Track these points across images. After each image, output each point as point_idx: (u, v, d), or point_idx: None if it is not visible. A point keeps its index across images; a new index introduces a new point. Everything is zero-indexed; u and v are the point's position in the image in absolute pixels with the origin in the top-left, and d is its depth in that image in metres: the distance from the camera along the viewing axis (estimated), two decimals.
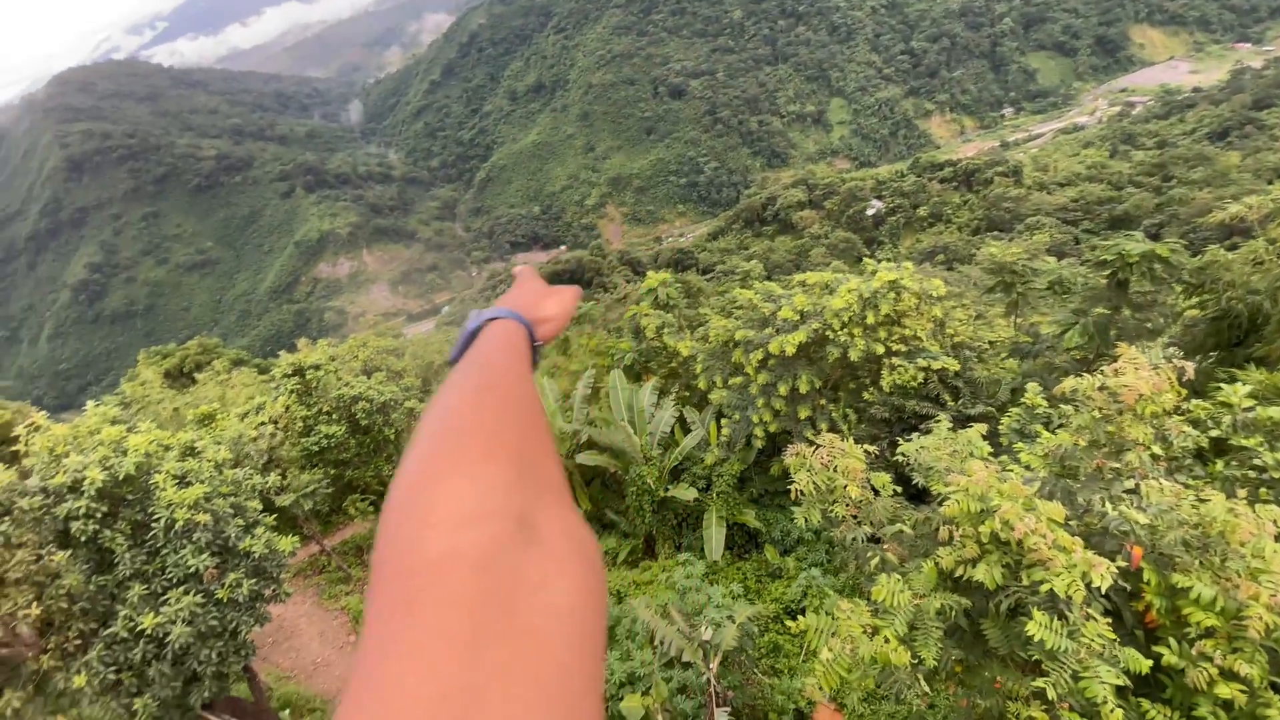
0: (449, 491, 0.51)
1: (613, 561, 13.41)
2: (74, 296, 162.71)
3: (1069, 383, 4.76)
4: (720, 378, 14.79)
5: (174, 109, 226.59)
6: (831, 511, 4.78)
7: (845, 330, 13.03)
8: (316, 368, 21.15)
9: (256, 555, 8.94)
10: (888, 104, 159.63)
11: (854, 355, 12.81)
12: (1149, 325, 11.93)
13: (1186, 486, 4.61)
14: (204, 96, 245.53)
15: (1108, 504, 4.07)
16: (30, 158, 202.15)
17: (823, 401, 14.21)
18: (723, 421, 14.33)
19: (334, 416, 20.54)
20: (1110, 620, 3.61)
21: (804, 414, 13.56)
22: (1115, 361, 4.86)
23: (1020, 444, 6.77)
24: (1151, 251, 11.08)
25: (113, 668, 7.07)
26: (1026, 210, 76.14)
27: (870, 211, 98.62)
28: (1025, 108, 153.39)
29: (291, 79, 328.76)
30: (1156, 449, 4.67)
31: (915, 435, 5.60)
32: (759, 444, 13.81)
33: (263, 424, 19.80)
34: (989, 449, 5.02)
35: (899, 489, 5.47)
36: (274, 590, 9.42)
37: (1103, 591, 3.55)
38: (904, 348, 13.06)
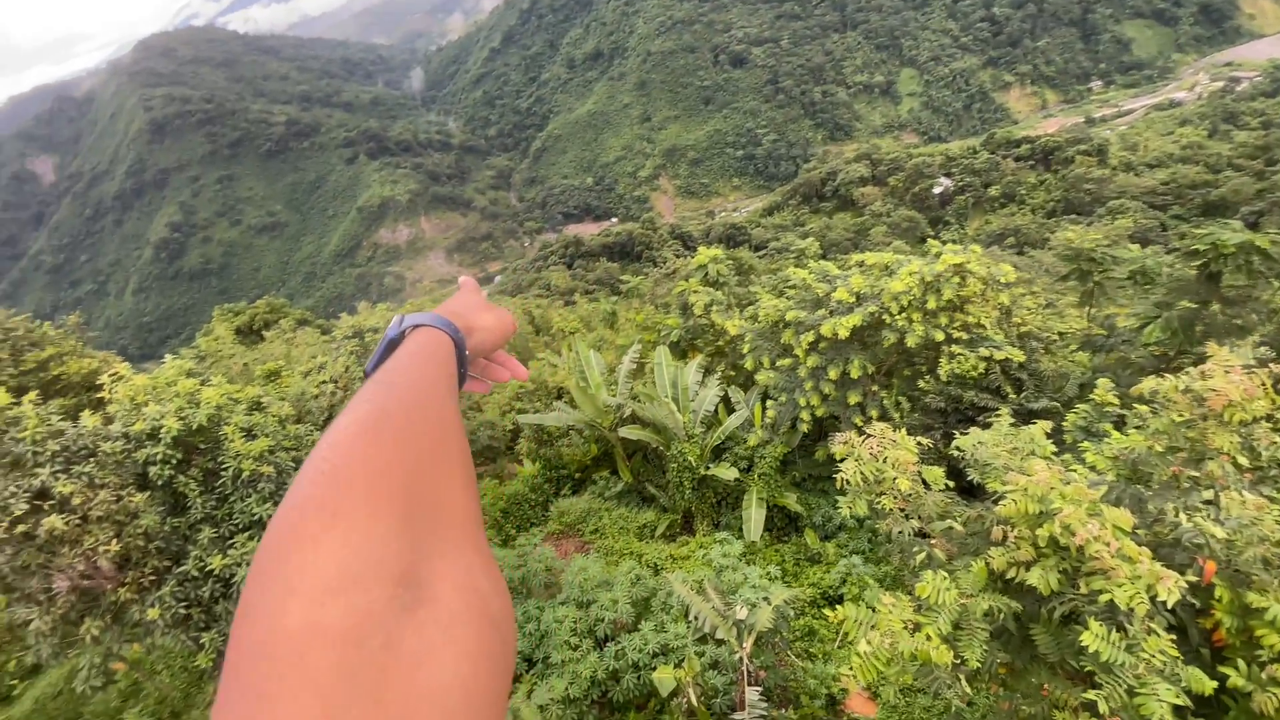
0: (318, 552, 0.44)
1: (651, 534, 13.56)
2: (155, 254, 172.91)
3: (1149, 383, 4.45)
4: (768, 358, 14.55)
5: (248, 75, 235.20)
6: (878, 503, 4.65)
7: (904, 315, 12.57)
8: (374, 331, 21.94)
9: None
10: (963, 75, 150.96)
11: (911, 341, 12.37)
12: (1240, 323, 11.02)
13: (1272, 501, 4.28)
14: (275, 63, 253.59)
15: (1181, 514, 3.81)
16: (117, 120, 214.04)
17: (875, 388, 13.82)
18: (768, 403, 14.14)
19: None
20: (1174, 637, 3.41)
21: (854, 400, 13.23)
22: (1200, 362, 4.50)
23: (1086, 444, 6.42)
24: (1249, 242, 10.19)
25: (183, 603, 7.63)
26: (1110, 193, 71.20)
27: (937, 190, 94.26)
28: (1116, 81, 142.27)
29: (358, 46, 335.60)
30: (1241, 459, 4.33)
31: (972, 428, 5.36)
32: (805, 428, 13.59)
33: (324, 382, 20.74)
34: (1052, 448, 4.77)
35: (951, 484, 5.28)
36: None
37: (1168, 606, 3.35)
38: (965, 335, 12.51)
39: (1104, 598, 3.40)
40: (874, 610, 4.27)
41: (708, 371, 16.05)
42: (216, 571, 7.84)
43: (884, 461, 4.63)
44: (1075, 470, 5.37)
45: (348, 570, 0.43)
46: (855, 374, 12.99)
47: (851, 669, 4.15)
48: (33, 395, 7.22)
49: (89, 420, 7.77)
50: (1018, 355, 11.33)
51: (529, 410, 17.28)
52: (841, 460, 4.97)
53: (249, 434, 9.18)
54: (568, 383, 14.80)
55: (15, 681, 12.85)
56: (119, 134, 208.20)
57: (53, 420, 7.27)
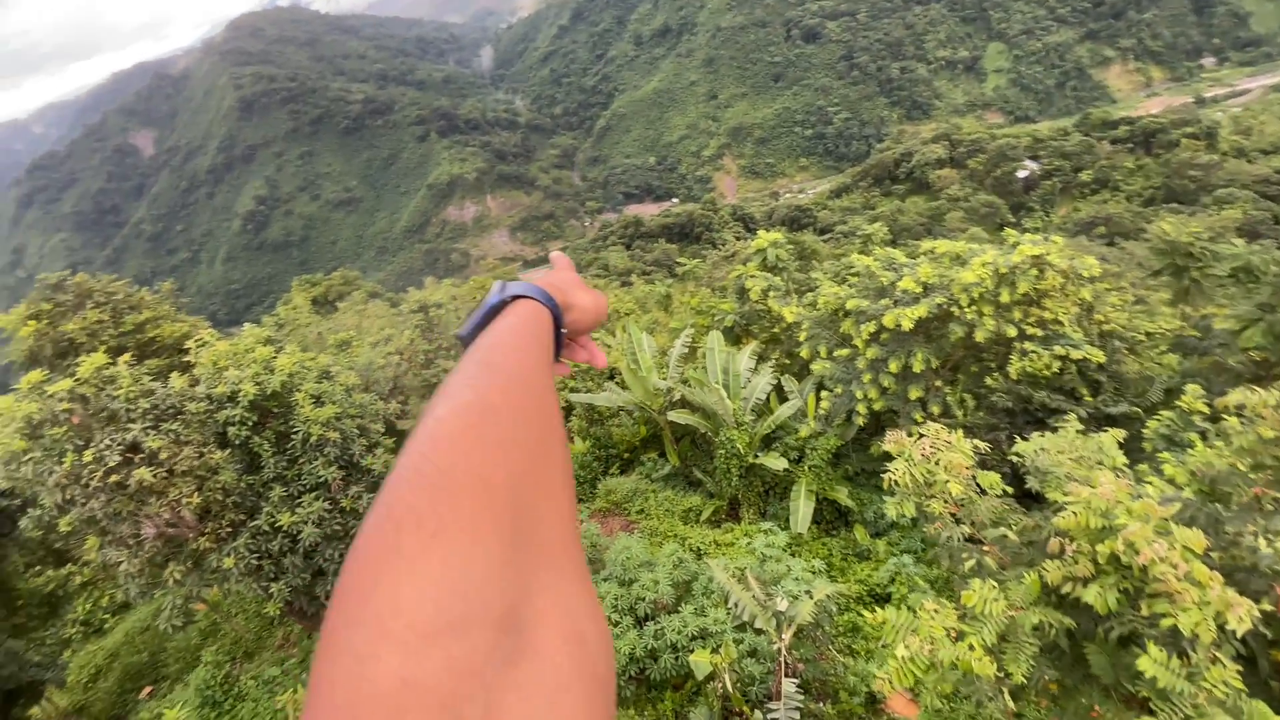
0: (414, 580, 0.39)
1: (695, 519, 13.61)
2: (243, 225, 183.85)
3: (1235, 396, 4.09)
4: (825, 348, 14.21)
5: (329, 54, 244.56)
6: (927, 506, 4.50)
7: (973, 307, 11.99)
8: (439, 306, 22.76)
9: (376, 472, 9.94)
10: (1058, 49, 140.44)
11: (980, 336, 11.81)
12: None
13: None
14: (355, 42, 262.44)
15: (1261, 539, 3.51)
16: (210, 97, 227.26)
17: (938, 383, 13.31)
18: (823, 394, 13.85)
19: (451, 352, 22.10)
20: (1241, 668, 3.17)
21: (915, 395, 12.78)
22: None
23: (1165, 455, 6.00)
24: None
25: (255, 554, 8.22)
26: (1218, 180, 65.10)
27: (1022, 174, 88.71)
28: (1230, 58, 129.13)
29: (431, 24, 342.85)
30: None
31: (1035, 433, 5.08)
32: (860, 421, 13.25)
33: (390, 354, 21.72)
34: (1123, 459, 4.46)
35: (1009, 490, 5.05)
36: None
37: (1238, 635, 3.11)
38: (1040, 332, 11.83)
39: (1166, 622, 3.19)
40: (915, 615, 4.16)
41: (761, 359, 15.84)
42: (285, 527, 8.39)
43: (936, 463, 4.46)
44: (1151, 483, 5.03)
45: (448, 609, 0.39)
46: (918, 368, 12.52)
47: (889, 673, 4.08)
48: (127, 357, 7.86)
49: (176, 382, 8.41)
50: (1097, 355, 10.62)
51: (581, 389, 17.54)
52: (893, 460, 4.82)
53: (318, 401, 9.73)
54: (620, 364, 14.92)
55: (107, 616, 14.27)
56: (211, 110, 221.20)
57: (144, 380, 7.91)
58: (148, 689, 12.84)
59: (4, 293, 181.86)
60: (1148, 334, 12.65)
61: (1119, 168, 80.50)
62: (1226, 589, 3.20)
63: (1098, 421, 10.21)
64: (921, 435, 4.71)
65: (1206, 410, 7.90)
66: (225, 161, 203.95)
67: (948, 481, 4.36)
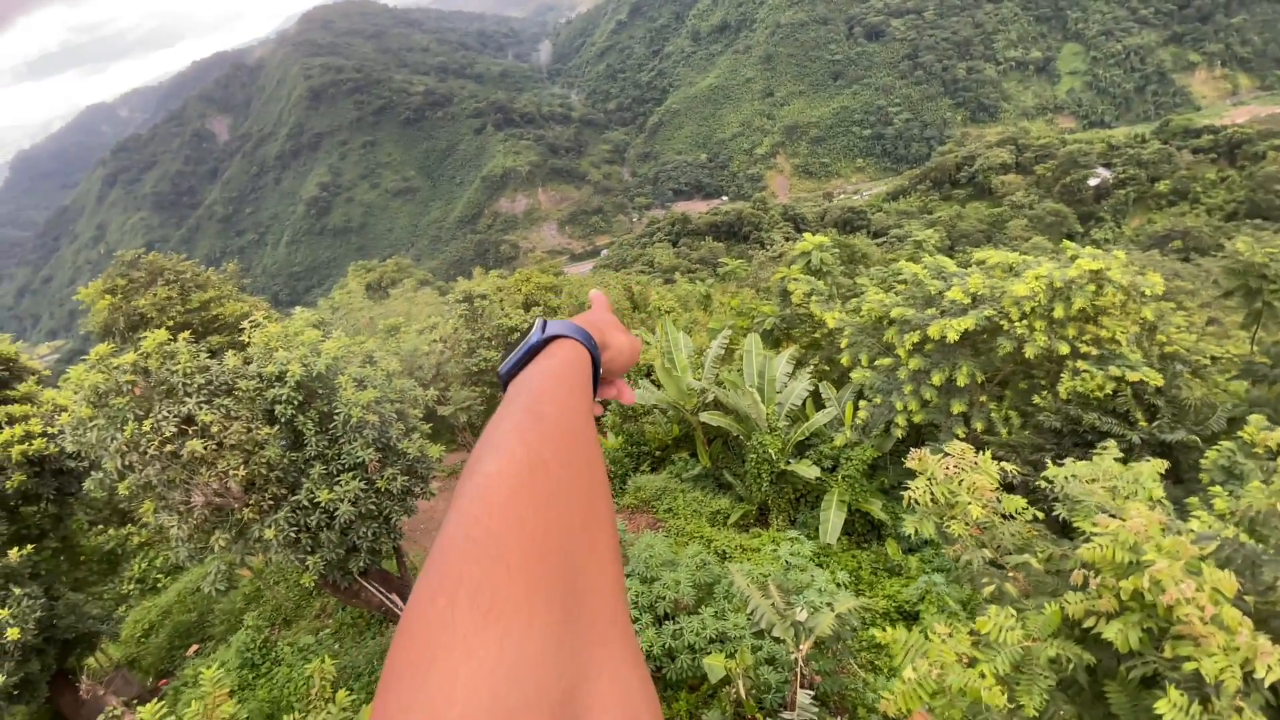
0: (470, 666, 0.37)
1: (723, 522, 13.53)
2: (307, 210, 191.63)
3: None
4: (866, 356, 13.93)
5: (393, 46, 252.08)
6: (948, 527, 4.38)
7: (1024, 322, 11.55)
8: (483, 297, 23.27)
9: (410, 456, 10.26)
10: (1138, 52, 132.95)
11: (1030, 351, 11.36)
12: None
13: None
14: (418, 35, 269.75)
15: None
16: (282, 87, 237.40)
17: (983, 398, 12.90)
18: (861, 403, 13.57)
19: (493, 342, 22.60)
20: (1267, 718, 2.99)
21: (957, 409, 12.41)
22: None
23: (1216, 488, 5.67)
24: None
25: (294, 528, 8.62)
26: None
27: (1093, 181, 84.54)
28: None
29: (493, 18, 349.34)
30: None
31: (1068, 458, 4.88)
32: (899, 433, 12.95)
33: (435, 341, 22.37)
34: (1160, 492, 4.24)
35: (1040, 514, 4.87)
36: (422, 488, 10.79)
37: (1266, 684, 2.93)
38: (1095, 350, 11.30)
39: (1189, 666, 3.03)
40: (927, 637, 4.08)
41: (799, 364, 15.61)
42: (323, 504, 8.76)
43: (959, 484, 4.34)
44: (1199, 517, 4.77)
45: (504, 698, 0.37)
46: (962, 381, 12.14)
47: (894, 695, 4.01)
48: (187, 334, 8.33)
49: (230, 360, 8.87)
50: (1155, 378, 10.08)
51: None
52: (914, 477, 4.71)
53: (360, 384, 10.10)
54: (655, 362, 14.95)
55: (160, 576, 15.20)
56: (283, 99, 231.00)
57: (200, 357, 8.37)
58: (194, 647, 13.63)
59: (87, 267, 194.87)
60: (1213, 358, 11.91)
61: (1200, 179, 75.79)
62: (1259, 636, 3.03)
63: (1151, 448, 9.70)
64: (947, 454, 4.58)
65: (1274, 444, 7.42)
66: (293, 148, 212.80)
67: (969, 504, 4.23)
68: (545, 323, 0.85)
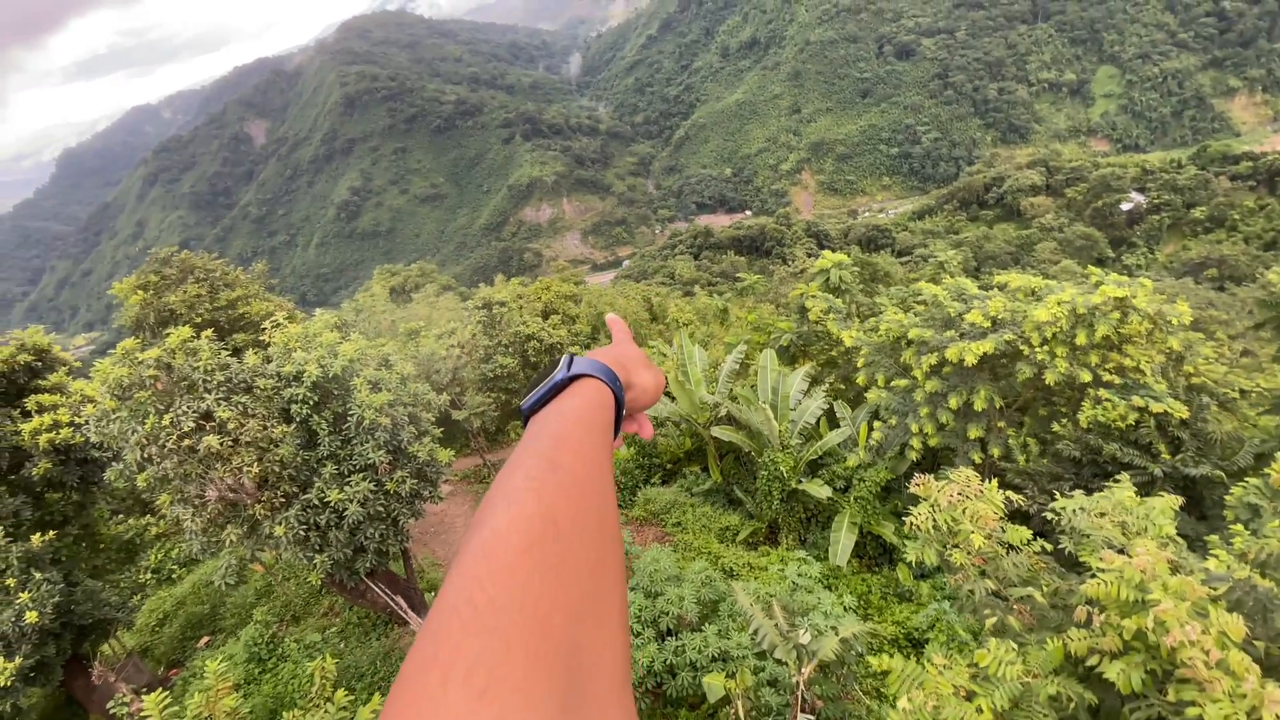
0: None
1: (732, 538, 13.41)
2: (337, 214, 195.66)
3: None
4: (883, 376, 13.79)
5: (427, 56, 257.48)
6: (950, 555, 4.30)
7: (1045, 348, 11.34)
8: (502, 304, 23.55)
9: (421, 460, 10.36)
10: (1176, 76, 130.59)
11: (1051, 378, 11.15)
12: None
13: None
14: (452, 46, 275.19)
15: None
16: (318, 93, 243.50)
17: (1001, 424, 12.66)
18: (876, 424, 13.41)
19: (510, 350, 22.84)
20: None
21: (974, 434, 12.21)
22: None
23: (1239, 526, 5.49)
24: None
25: (304, 526, 8.73)
26: None
27: (1126, 206, 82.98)
28: None
29: (525, 30, 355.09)
30: None
31: (1077, 492, 4.76)
32: (914, 456, 12.76)
33: (452, 346, 22.63)
34: (1171, 529, 4.12)
35: (1049, 546, 4.75)
36: (430, 492, 10.87)
37: None
38: (1118, 379, 11.05)
39: (1192, 711, 2.93)
40: (923, 668, 3.99)
41: (815, 381, 15.49)
42: (332, 503, 8.87)
43: (962, 512, 4.26)
44: (1218, 556, 4.62)
45: None
46: (979, 406, 11.96)
47: None
48: (209, 332, 8.53)
49: (250, 359, 9.07)
50: (1179, 410, 9.81)
51: None
52: (917, 505, 4.64)
53: (374, 387, 10.25)
54: (670, 374, 14.94)
55: (175, 567, 15.48)
56: (318, 106, 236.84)
57: (221, 355, 8.57)
58: (205, 638, 13.83)
59: (125, 262, 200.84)
60: (1243, 391, 11.57)
61: (1238, 206, 73.98)
62: (1268, 684, 2.91)
63: (1174, 482, 9.42)
64: (950, 481, 4.51)
65: None
66: (326, 153, 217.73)
67: (971, 532, 4.15)
68: (572, 358, 0.85)
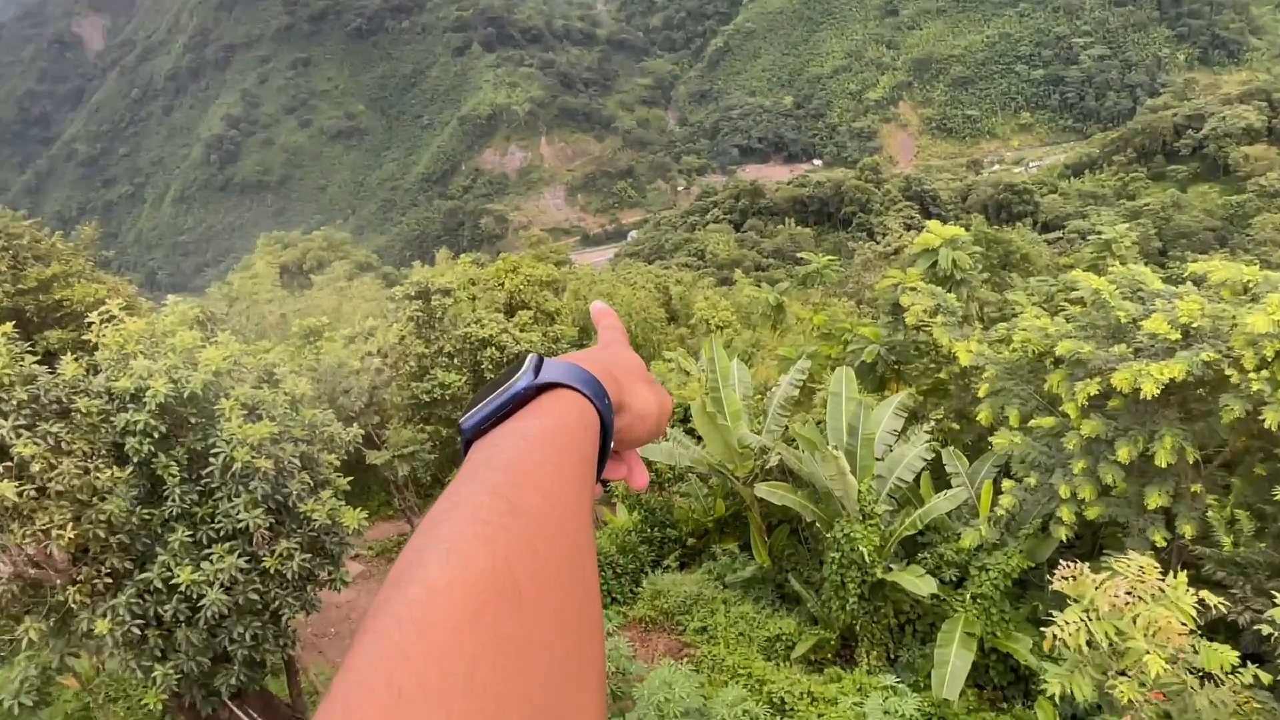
0: None
1: (785, 653, 13.40)
2: (205, 155, 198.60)
3: None
4: (1017, 412, 13.89)
5: None
6: (1111, 687, 4.25)
7: (1264, 373, 11.39)
8: (446, 293, 23.68)
9: (317, 524, 10.41)
10: None
11: (1272, 420, 11.18)
12: None
13: None
14: None
15: None
16: None
17: (1196, 488, 12.66)
18: (1006, 483, 13.46)
19: (455, 361, 22.95)
20: None
21: (1154, 502, 12.26)
22: None
23: None
24: None
25: (140, 620, 8.77)
26: None
27: None
28: None
29: None
30: None
31: None
32: (1063, 534, 12.83)
33: (369, 354, 22.83)
34: None
35: (1267, 678, 4.70)
36: (331, 573, 10.92)
37: None
38: None
39: None
40: None
41: (914, 417, 15.56)
42: (183, 588, 8.91)
43: (1133, 622, 4.21)
44: None
45: None
46: (1163, 460, 11.99)
47: None
48: (7, 327, 8.64)
49: (69, 369, 9.17)
50: None
51: None
52: (1064, 609, 4.60)
53: (251, 413, 10.33)
54: (695, 401, 15.00)
55: None
56: None
57: (26, 361, 8.67)
58: None
59: None
60: None
61: None
62: None
63: None
64: (1115, 572, 4.48)
65: None
66: (192, 65, 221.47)
67: (1147, 653, 4.11)
68: (540, 361, 0.85)
